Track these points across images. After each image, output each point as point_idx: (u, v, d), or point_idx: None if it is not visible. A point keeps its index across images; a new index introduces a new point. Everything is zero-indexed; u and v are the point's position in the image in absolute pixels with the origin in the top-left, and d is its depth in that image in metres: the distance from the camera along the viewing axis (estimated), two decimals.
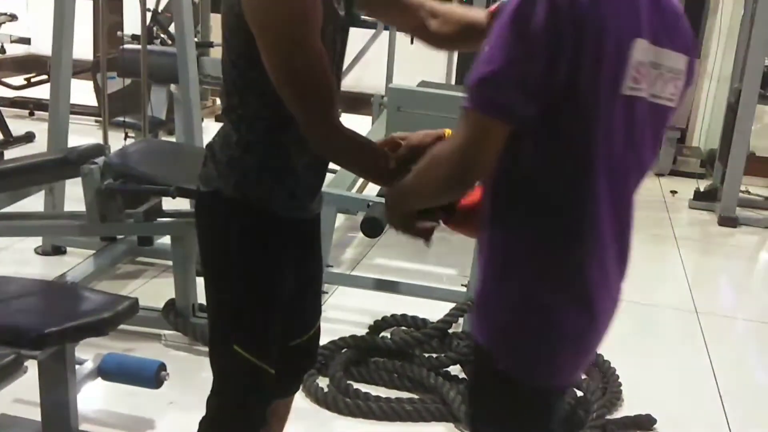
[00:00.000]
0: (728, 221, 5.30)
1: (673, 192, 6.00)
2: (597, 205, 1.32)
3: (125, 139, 4.40)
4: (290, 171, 1.64)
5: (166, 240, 3.41)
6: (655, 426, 2.79)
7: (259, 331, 1.72)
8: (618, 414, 2.84)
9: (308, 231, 1.81)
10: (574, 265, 1.35)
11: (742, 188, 5.46)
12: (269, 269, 1.69)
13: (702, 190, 5.73)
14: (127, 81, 5.23)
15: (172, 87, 5.18)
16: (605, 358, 3.14)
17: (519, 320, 1.38)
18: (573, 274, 1.35)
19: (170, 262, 3.31)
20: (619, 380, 3.02)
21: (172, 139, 5.15)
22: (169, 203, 3.23)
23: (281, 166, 1.63)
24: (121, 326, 2.31)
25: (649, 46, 1.29)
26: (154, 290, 3.52)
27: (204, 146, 1.76)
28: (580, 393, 2.88)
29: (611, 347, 3.19)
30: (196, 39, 4.14)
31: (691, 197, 5.70)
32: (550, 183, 1.31)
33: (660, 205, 5.70)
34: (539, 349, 1.38)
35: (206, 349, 1.93)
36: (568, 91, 1.23)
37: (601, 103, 1.26)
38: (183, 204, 3.36)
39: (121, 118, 4.73)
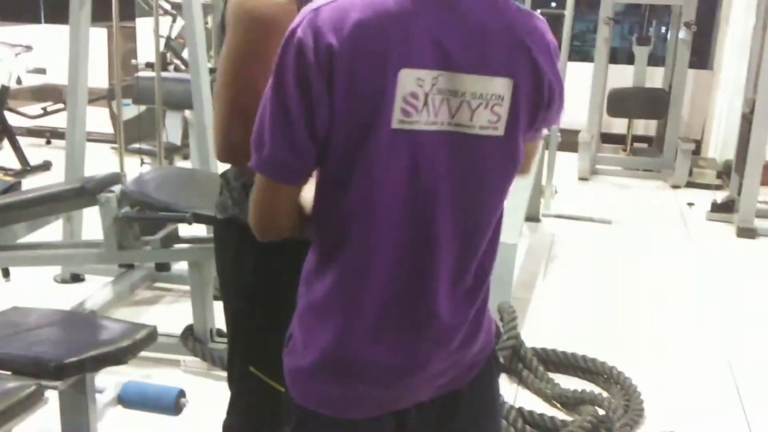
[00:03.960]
0: (747, 232, 5.26)
1: (690, 204, 5.97)
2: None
3: (141, 165, 4.44)
4: None
5: (183, 265, 3.41)
6: None
7: (275, 353, 1.72)
8: (641, 431, 2.81)
9: None
10: None
11: (760, 199, 5.42)
12: (285, 290, 1.69)
13: (719, 201, 5.69)
14: (142, 108, 5.29)
15: (187, 113, 5.22)
16: (626, 375, 3.12)
17: None
18: None
19: (188, 287, 3.32)
20: (641, 397, 2.99)
21: (188, 164, 5.18)
22: (185, 229, 3.25)
23: None
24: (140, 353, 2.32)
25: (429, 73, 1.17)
26: (172, 316, 3.53)
27: (218, 171, 1.77)
28: (602, 411, 2.85)
29: (632, 363, 3.21)
30: (209, 64, 4.16)
31: (708, 209, 5.67)
32: None
33: (677, 218, 5.68)
34: None
35: (225, 373, 1.95)
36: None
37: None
38: (199, 230, 3.37)
39: (137, 145, 4.77)
